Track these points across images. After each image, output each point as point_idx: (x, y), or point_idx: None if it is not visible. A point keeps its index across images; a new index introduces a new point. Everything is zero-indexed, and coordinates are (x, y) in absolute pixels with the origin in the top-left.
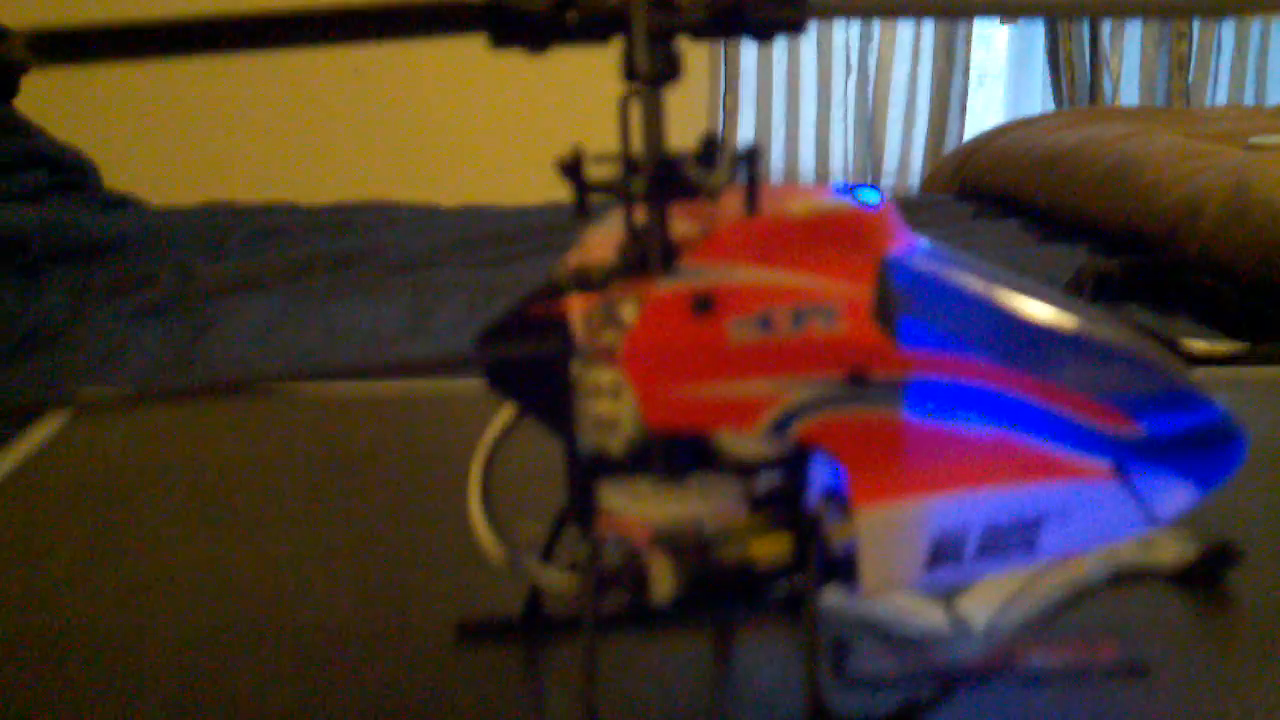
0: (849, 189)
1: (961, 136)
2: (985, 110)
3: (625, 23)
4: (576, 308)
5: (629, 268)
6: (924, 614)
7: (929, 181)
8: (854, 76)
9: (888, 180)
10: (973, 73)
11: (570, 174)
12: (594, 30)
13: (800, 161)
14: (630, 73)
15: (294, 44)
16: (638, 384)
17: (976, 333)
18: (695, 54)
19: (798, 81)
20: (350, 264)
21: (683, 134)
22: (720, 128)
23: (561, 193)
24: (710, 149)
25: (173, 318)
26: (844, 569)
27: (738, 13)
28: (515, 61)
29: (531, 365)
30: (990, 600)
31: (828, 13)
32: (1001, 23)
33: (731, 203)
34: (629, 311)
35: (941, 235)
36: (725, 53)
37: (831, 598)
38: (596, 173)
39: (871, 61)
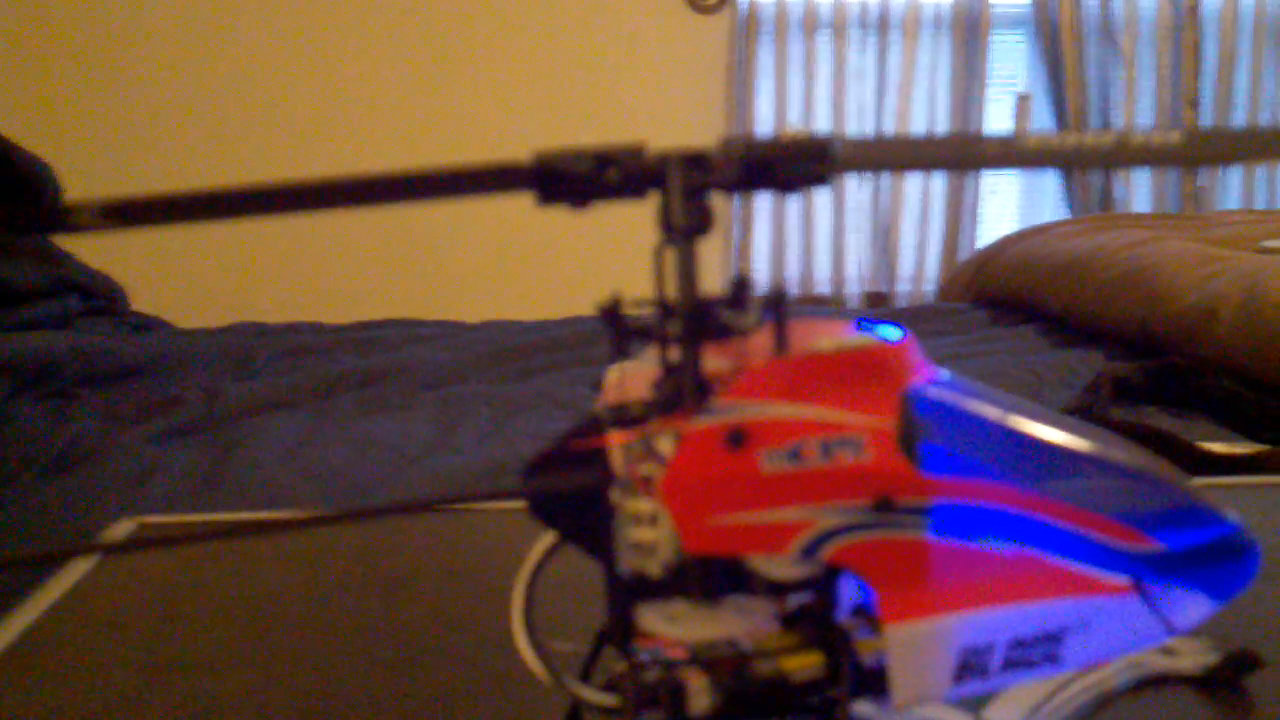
0: (871, 324)
1: (975, 244)
2: (998, 218)
3: (661, 180)
4: (615, 441)
5: (664, 404)
6: None
7: (945, 289)
8: (868, 186)
9: (903, 287)
10: (985, 181)
11: (609, 317)
12: (632, 187)
13: (815, 269)
14: (666, 225)
15: (355, 205)
16: (676, 513)
17: (995, 458)
18: None
19: (812, 191)
20: (375, 381)
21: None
22: (735, 233)
23: (577, 308)
24: (740, 292)
25: (201, 438)
26: (874, 682)
27: (766, 170)
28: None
29: (573, 495)
30: (1018, 708)
31: (849, 168)
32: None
33: (760, 340)
34: (666, 445)
35: (960, 342)
36: None
37: (863, 710)
38: (633, 315)
39: (885, 171)
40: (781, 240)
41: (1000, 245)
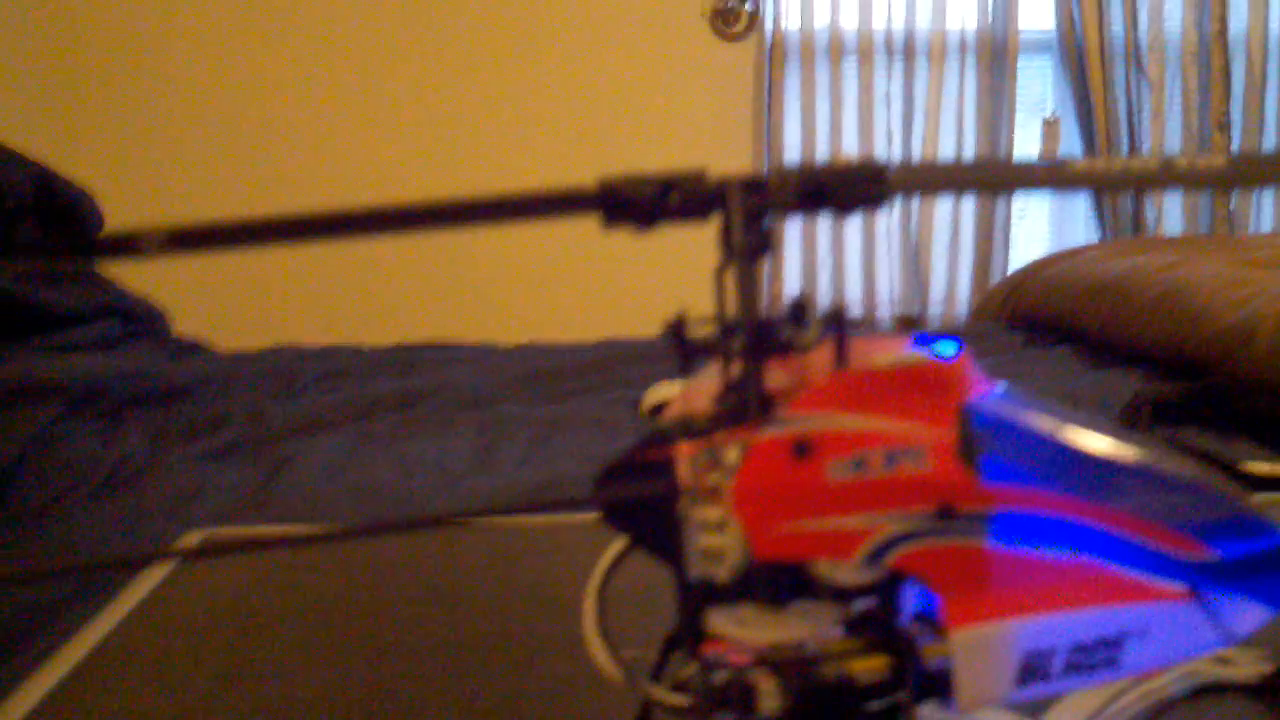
0: (928, 340)
1: (1006, 267)
2: (1029, 240)
3: (722, 203)
4: (683, 453)
5: (729, 417)
6: None
7: (978, 311)
8: (898, 208)
9: (935, 310)
10: (1015, 205)
11: (674, 335)
12: (694, 210)
13: (847, 292)
14: (727, 247)
15: (423, 230)
16: (745, 520)
17: (1053, 468)
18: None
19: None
20: (415, 402)
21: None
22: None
23: (611, 330)
24: (799, 310)
25: (248, 457)
26: (938, 686)
27: (822, 194)
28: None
29: (643, 504)
30: (1076, 714)
31: (902, 191)
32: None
33: (820, 356)
34: (731, 456)
35: (995, 364)
36: None
37: (927, 714)
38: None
39: (937, 194)
40: (813, 263)
41: (1034, 267)
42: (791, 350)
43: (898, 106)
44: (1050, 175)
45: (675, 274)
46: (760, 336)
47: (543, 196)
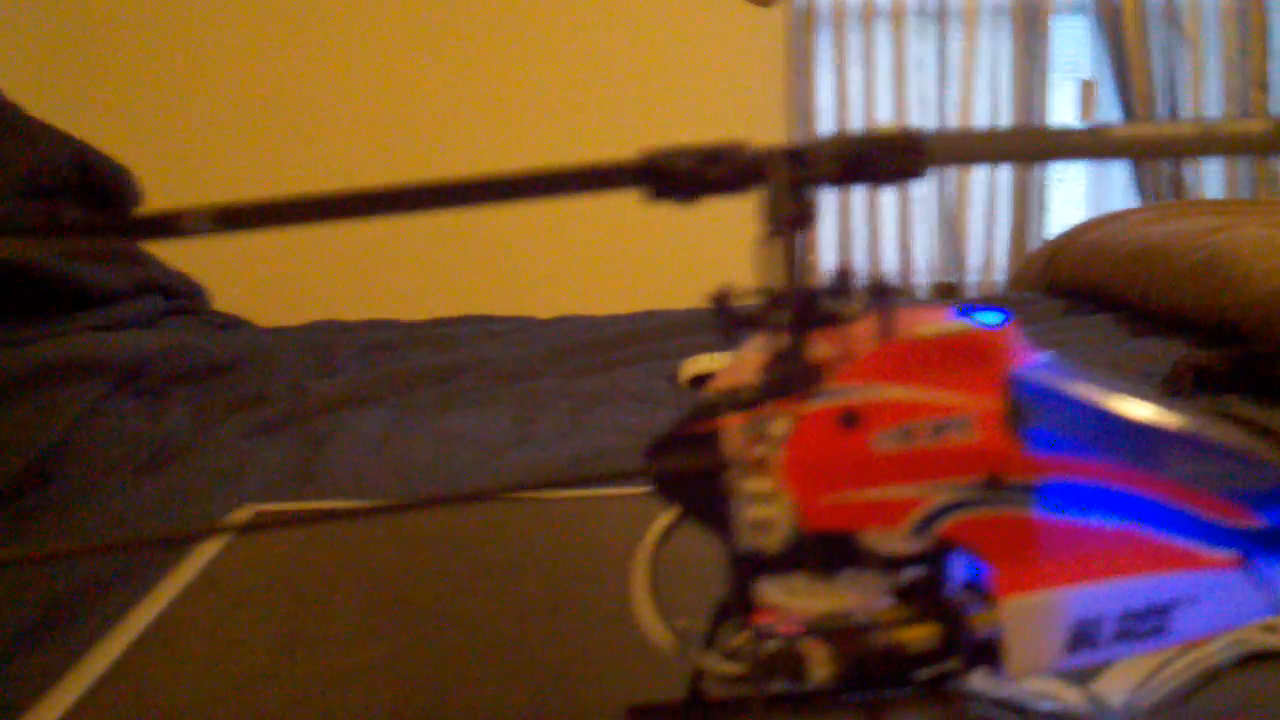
0: (972, 310)
1: (1043, 233)
2: (1066, 206)
3: (764, 175)
4: (731, 425)
5: (774, 389)
6: (1062, 695)
7: (1016, 278)
8: (934, 175)
9: (972, 278)
10: (1052, 170)
11: (719, 308)
12: (736, 182)
13: (883, 261)
14: (770, 218)
15: (468, 206)
16: (794, 491)
17: (1099, 437)
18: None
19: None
20: (454, 376)
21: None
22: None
23: (647, 302)
24: (843, 281)
25: (290, 433)
26: (987, 654)
27: (863, 165)
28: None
29: (693, 476)
30: (1125, 682)
31: (943, 161)
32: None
33: (864, 327)
34: (779, 428)
35: (1034, 332)
36: None
37: (975, 681)
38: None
39: (977, 163)
40: (848, 232)
41: (1073, 234)
42: (836, 321)
43: (931, 70)
44: (1090, 143)
45: (713, 245)
46: (805, 308)
47: (587, 171)
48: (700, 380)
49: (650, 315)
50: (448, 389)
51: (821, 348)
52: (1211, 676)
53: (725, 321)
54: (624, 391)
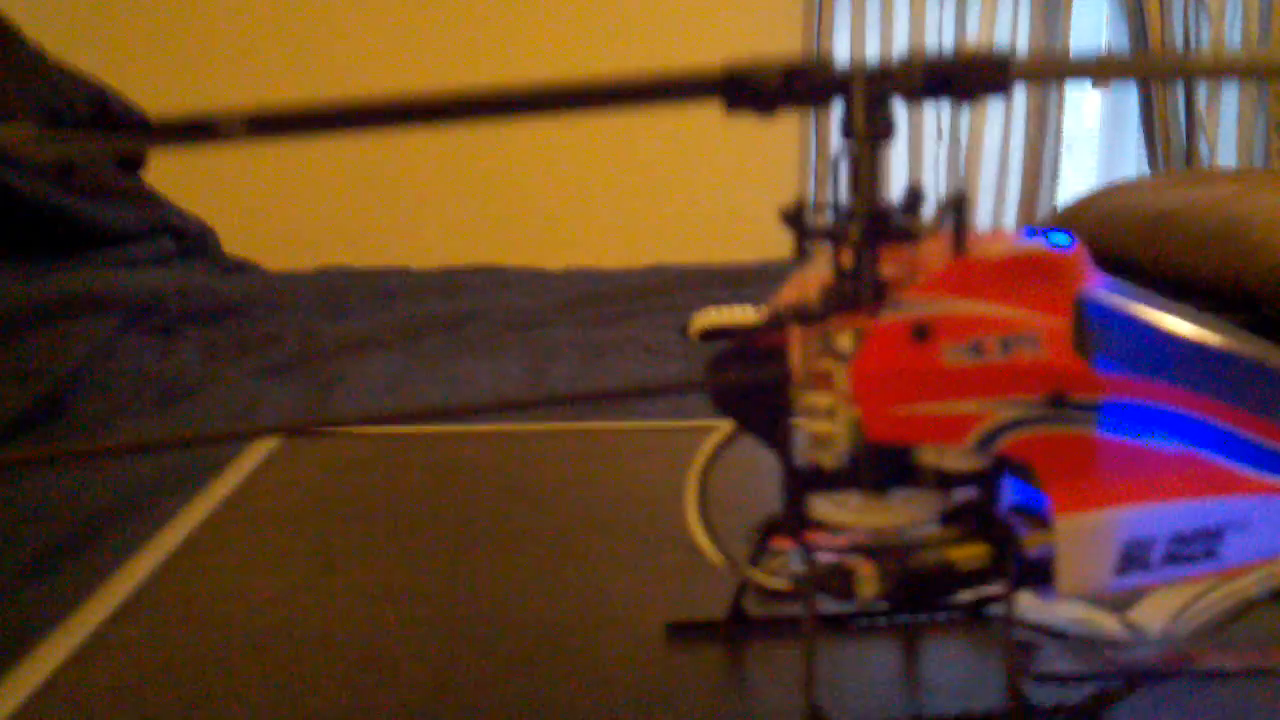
0: (1042, 233)
1: (1055, 200)
2: (1077, 173)
3: (847, 88)
4: (795, 339)
5: (843, 303)
6: (1100, 622)
7: None
8: (945, 143)
9: None
10: (1064, 136)
11: (792, 221)
12: (816, 96)
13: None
14: (848, 131)
15: (540, 115)
16: (863, 402)
17: (1162, 360)
18: (785, 125)
19: (889, 149)
20: (464, 323)
21: (770, 194)
22: (811, 194)
23: (659, 255)
24: (914, 199)
25: (300, 375)
26: (1036, 574)
27: (947, 79)
28: (609, 133)
29: (754, 389)
30: (1162, 611)
31: (1026, 78)
32: (1094, 86)
33: (933, 246)
34: (845, 342)
35: None
36: (816, 120)
37: (1018, 604)
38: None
39: (963, 127)
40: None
41: (1087, 201)
42: (908, 237)
43: (950, 39)
44: (1174, 64)
45: (724, 200)
46: (878, 223)
47: (665, 80)
48: (712, 334)
49: (660, 269)
50: (458, 336)
51: (887, 265)
52: (1246, 607)
53: (798, 233)
54: (635, 343)
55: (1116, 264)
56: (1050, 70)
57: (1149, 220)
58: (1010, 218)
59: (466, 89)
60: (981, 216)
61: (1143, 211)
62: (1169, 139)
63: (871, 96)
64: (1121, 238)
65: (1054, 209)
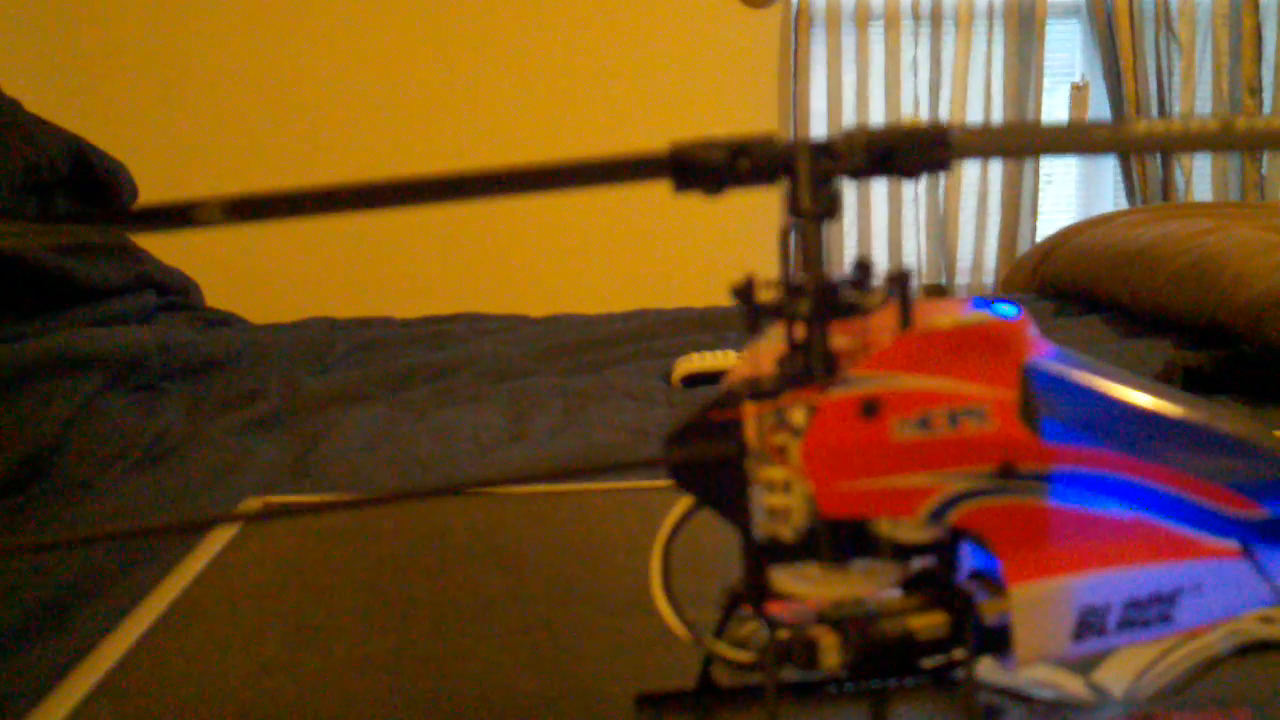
0: (987, 303)
1: (1034, 234)
2: (1056, 209)
3: (791, 167)
4: (750, 414)
5: (794, 378)
6: (1065, 684)
7: (1007, 280)
8: (924, 177)
9: (962, 279)
10: (1043, 170)
11: (742, 297)
12: (762, 175)
13: (874, 261)
14: (794, 209)
15: (493, 197)
16: (814, 478)
17: (1109, 428)
18: None
19: (868, 183)
20: (448, 373)
21: (752, 226)
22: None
23: (639, 301)
24: (863, 272)
25: (285, 429)
26: (995, 642)
27: (889, 157)
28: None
29: (710, 464)
30: (1125, 671)
31: (967, 154)
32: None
33: (881, 319)
34: (798, 416)
35: None
36: None
37: (984, 669)
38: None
39: (1001, 157)
40: (839, 233)
41: (1063, 235)
42: (857, 312)
43: (924, 74)
44: (1112, 137)
45: (704, 247)
46: (826, 298)
47: (612, 162)
48: (693, 379)
49: (642, 314)
50: (441, 386)
51: (839, 338)
52: (1210, 666)
53: (748, 311)
54: (618, 390)
55: (1094, 299)
56: (992, 145)
57: (1125, 256)
58: (990, 250)
59: (429, 174)
60: (963, 250)
61: (1119, 247)
62: (1145, 172)
63: (816, 174)
64: (1098, 273)
65: (1033, 243)
